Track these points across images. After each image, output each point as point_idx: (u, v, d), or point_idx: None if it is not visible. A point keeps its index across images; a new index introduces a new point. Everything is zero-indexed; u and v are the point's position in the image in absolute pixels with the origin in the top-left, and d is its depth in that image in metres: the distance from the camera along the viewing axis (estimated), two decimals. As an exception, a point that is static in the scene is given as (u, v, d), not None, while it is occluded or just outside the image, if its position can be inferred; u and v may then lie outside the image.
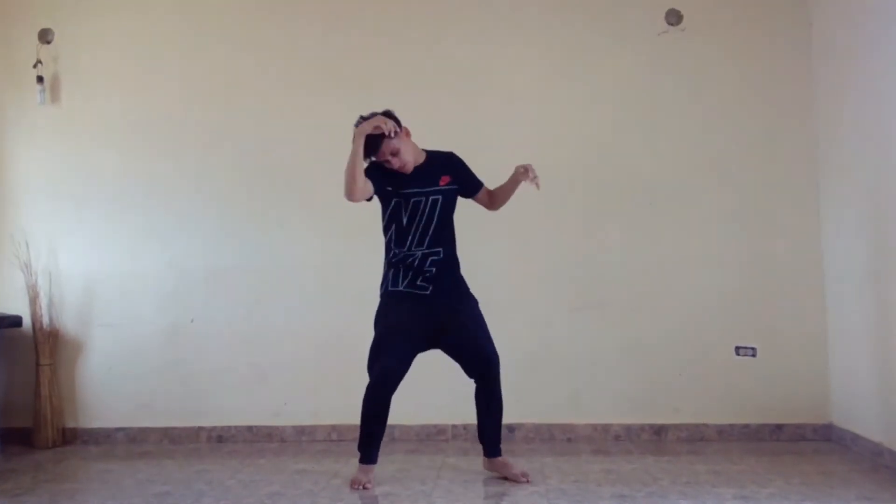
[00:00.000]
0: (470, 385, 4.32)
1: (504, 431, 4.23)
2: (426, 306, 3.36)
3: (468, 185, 3.56)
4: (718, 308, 4.25)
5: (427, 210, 3.40)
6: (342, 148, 4.42)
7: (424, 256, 3.39)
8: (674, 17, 4.30)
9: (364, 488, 3.31)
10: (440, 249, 3.40)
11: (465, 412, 4.29)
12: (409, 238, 3.39)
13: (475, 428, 4.27)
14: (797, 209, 4.26)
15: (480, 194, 3.60)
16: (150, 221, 4.47)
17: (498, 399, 3.50)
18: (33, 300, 4.39)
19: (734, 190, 4.30)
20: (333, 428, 4.33)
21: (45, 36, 4.50)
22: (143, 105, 4.49)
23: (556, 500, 3.13)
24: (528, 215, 4.30)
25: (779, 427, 4.18)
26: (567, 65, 4.36)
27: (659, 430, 4.19)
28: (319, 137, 4.43)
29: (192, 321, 4.43)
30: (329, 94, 4.44)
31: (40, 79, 4.46)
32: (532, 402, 4.28)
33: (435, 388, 4.31)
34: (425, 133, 4.38)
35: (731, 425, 4.14)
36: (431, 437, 4.30)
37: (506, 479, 3.43)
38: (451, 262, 3.46)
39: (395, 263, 3.42)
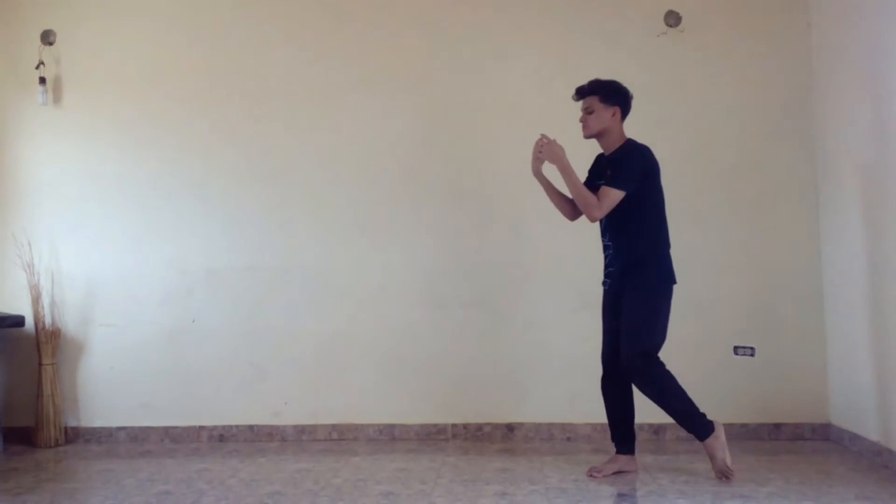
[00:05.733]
0: (469, 386, 4.36)
1: (503, 430, 4.29)
2: (609, 298, 3.52)
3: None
4: (717, 307, 4.26)
5: None
6: (342, 148, 4.49)
7: (605, 249, 3.54)
8: (673, 19, 4.30)
9: (591, 476, 3.46)
10: (611, 244, 3.49)
11: (465, 411, 4.34)
12: (601, 229, 3.56)
13: (475, 427, 4.32)
14: (796, 209, 4.27)
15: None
16: (152, 222, 4.48)
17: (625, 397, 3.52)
18: (35, 300, 4.41)
19: (733, 190, 4.31)
20: (334, 427, 4.34)
21: (47, 37, 4.51)
22: (144, 106, 4.50)
23: (556, 499, 3.15)
24: (529, 214, 4.31)
25: (777, 426, 4.19)
26: (565, 66, 4.34)
27: (657, 430, 4.20)
28: (320, 138, 4.46)
29: (193, 321, 4.44)
30: (331, 94, 4.46)
31: (42, 80, 4.47)
32: (531, 401, 4.30)
33: (435, 387, 4.34)
34: (422, 132, 4.43)
35: (730, 425, 4.12)
36: (431, 437, 4.31)
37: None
38: (626, 257, 3.42)
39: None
